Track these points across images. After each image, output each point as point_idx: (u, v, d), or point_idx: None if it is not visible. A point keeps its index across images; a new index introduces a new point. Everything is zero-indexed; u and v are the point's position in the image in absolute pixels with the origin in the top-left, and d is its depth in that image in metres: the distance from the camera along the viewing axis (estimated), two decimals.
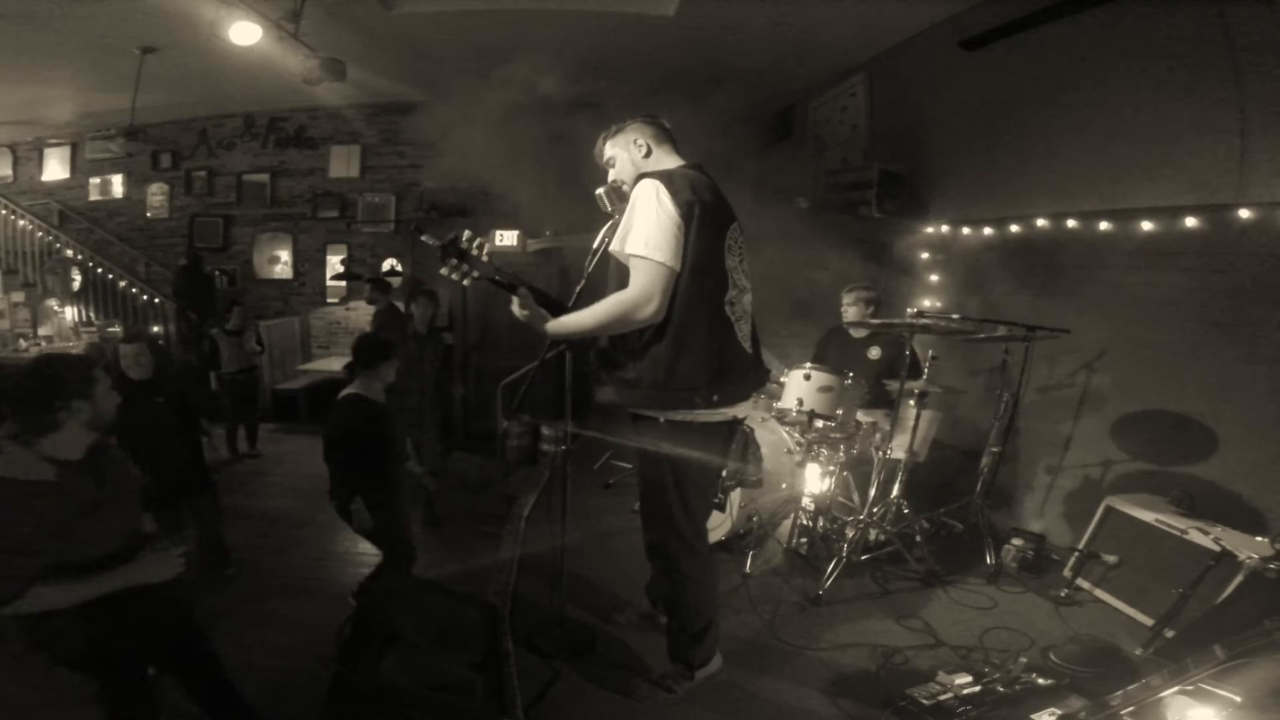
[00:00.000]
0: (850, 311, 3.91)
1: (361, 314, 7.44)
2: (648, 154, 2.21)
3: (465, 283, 1.98)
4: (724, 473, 2.30)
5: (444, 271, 1.95)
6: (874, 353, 3.92)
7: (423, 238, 1.96)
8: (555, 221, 5.85)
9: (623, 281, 2.03)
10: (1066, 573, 3.17)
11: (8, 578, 1.51)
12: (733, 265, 2.13)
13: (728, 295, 2.10)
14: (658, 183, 1.98)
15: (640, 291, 1.95)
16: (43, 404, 1.65)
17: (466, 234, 1.97)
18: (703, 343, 2.04)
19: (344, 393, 2.87)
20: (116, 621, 1.69)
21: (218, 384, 5.39)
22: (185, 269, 6.95)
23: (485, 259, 2.00)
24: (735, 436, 2.30)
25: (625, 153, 2.23)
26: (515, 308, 2.05)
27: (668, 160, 2.20)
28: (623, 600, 2.94)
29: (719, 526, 3.41)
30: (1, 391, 1.70)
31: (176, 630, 1.96)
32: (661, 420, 2.11)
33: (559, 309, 2.11)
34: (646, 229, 1.95)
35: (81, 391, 1.69)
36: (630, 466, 4.52)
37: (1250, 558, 2.40)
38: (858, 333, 3.96)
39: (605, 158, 2.28)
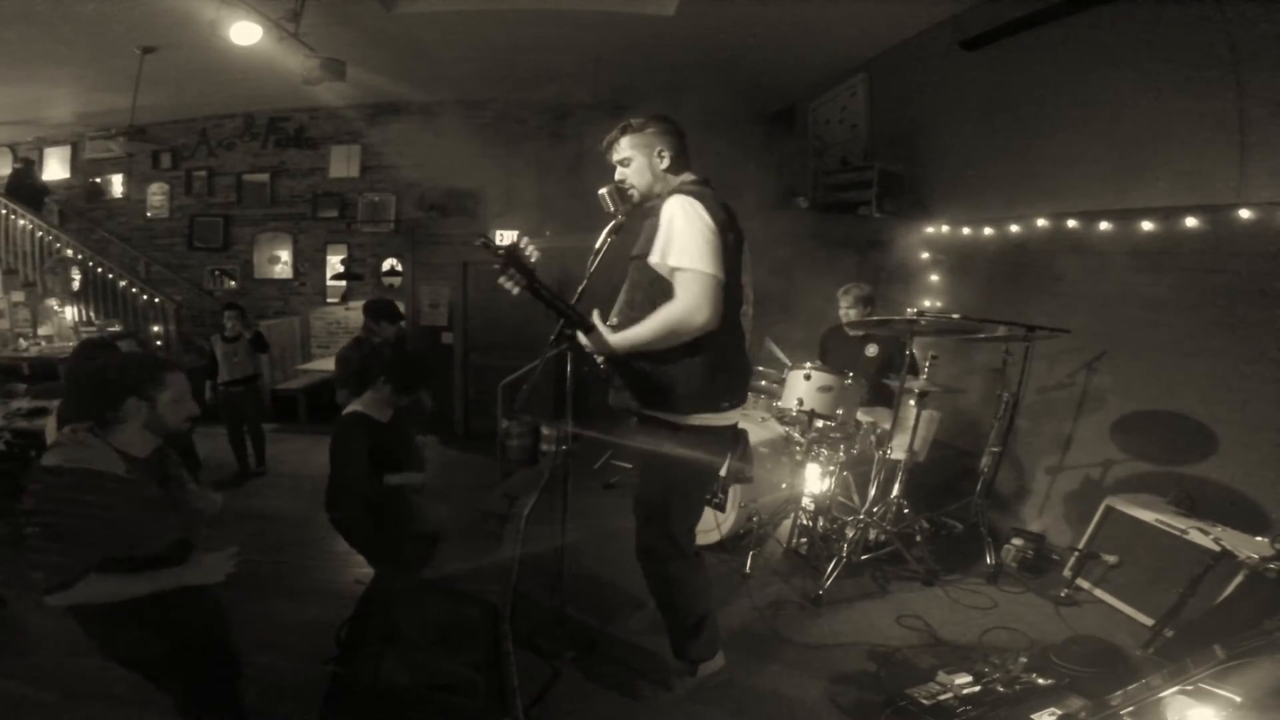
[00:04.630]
0: (851, 313, 3.91)
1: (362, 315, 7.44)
2: (668, 166, 2.19)
3: (515, 291, 1.98)
4: (723, 473, 2.32)
5: (501, 280, 1.96)
6: (871, 350, 3.93)
7: (480, 242, 1.96)
8: (555, 221, 5.86)
9: (654, 289, 2.07)
10: (1066, 573, 3.17)
11: (64, 565, 1.53)
12: (746, 280, 2.21)
13: (743, 309, 2.20)
14: (694, 200, 2.02)
15: (690, 303, 1.99)
16: (110, 395, 1.68)
17: (525, 241, 2.00)
18: (726, 352, 2.13)
19: (347, 410, 2.72)
20: (168, 619, 1.71)
21: (212, 394, 4.96)
22: (18, 171, 7.11)
23: (533, 265, 2.03)
24: (739, 438, 2.35)
25: (644, 157, 2.19)
26: (585, 339, 2.10)
27: (684, 173, 2.22)
28: (623, 600, 2.94)
29: (719, 526, 3.41)
30: (76, 376, 1.72)
31: (218, 634, 1.97)
32: (679, 424, 2.15)
33: (578, 319, 2.12)
34: (690, 242, 1.98)
35: (143, 392, 1.70)
36: (631, 467, 4.52)
37: (1250, 557, 2.40)
38: (854, 331, 3.97)
39: (620, 155, 2.23)
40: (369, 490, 2.62)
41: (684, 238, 1.98)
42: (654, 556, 2.31)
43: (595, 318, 2.13)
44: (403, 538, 2.78)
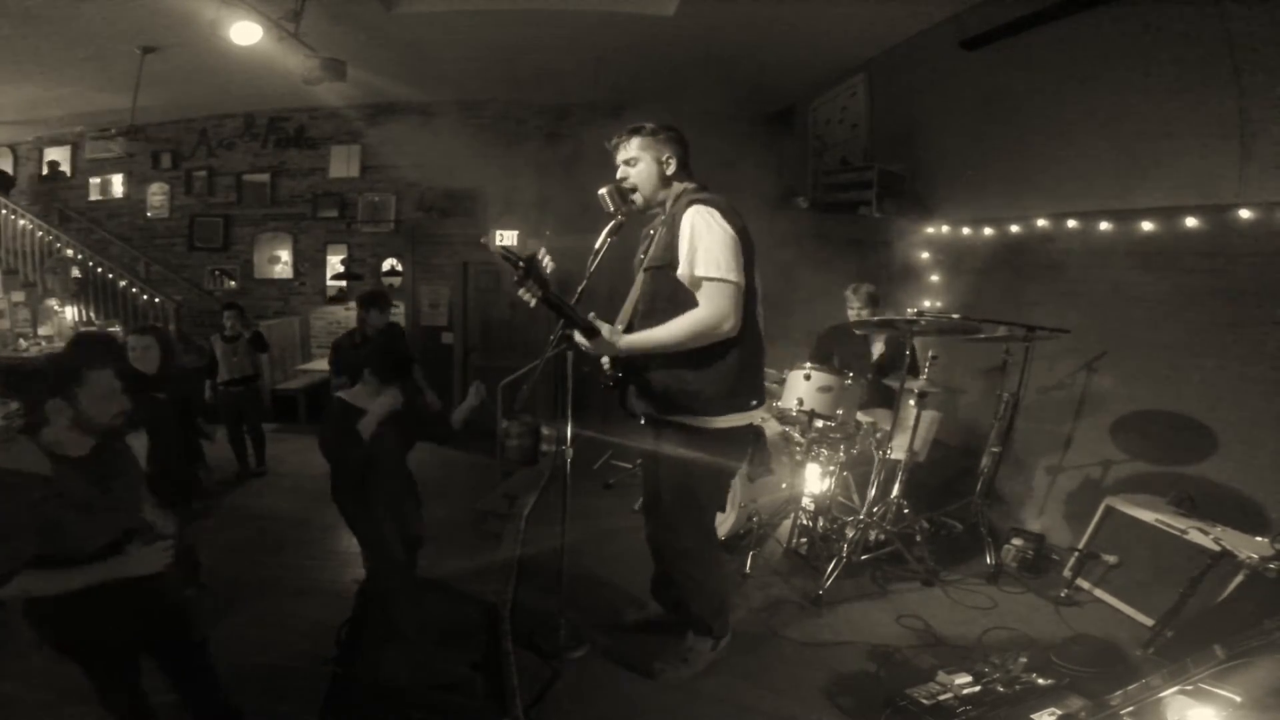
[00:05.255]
0: (864, 313, 3.89)
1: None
2: (673, 173, 2.23)
3: (533, 303, 1.99)
4: (746, 470, 2.40)
5: (521, 292, 1.97)
6: (876, 349, 3.92)
7: (501, 254, 1.98)
8: (554, 221, 5.85)
9: (677, 298, 2.11)
10: (1066, 573, 3.17)
11: None
12: (759, 282, 2.27)
13: (758, 309, 2.27)
14: (712, 209, 2.08)
15: (717, 311, 2.05)
16: (27, 397, 1.71)
17: (542, 251, 2.04)
18: (750, 353, 2.21)
19: (336, 395, 2.81)
20: (104, 609, 1.72)
21: (212, 394, 4.98)
22: None
23: (548, 275, 2.05)
24: (759, 436, 2.39)
25: (652, 161, 2.22)
26: (582, 340, 2.10)
27: (686, 181, 2.25)
28: (623, 600, 2.94)
29: (719, 526, 3.41)
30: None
31: (166, 622, 1.97)
32: (706, 428, 2.20)
33: (587, 326, 2.13)
34: (714, 252, 2.04)
35: (59, 390, 1.69)
36: (630, 466, 4.52)
37: (1250, 557, 2.40)
38: (858, 330, 3.96)
39: (627, 156, 2.24)
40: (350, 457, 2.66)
41: (708, 248, 2.04)
42: (686, 554, 2.40)
43: (596, 320, 2.14)
44: (393, 514, 2.79)
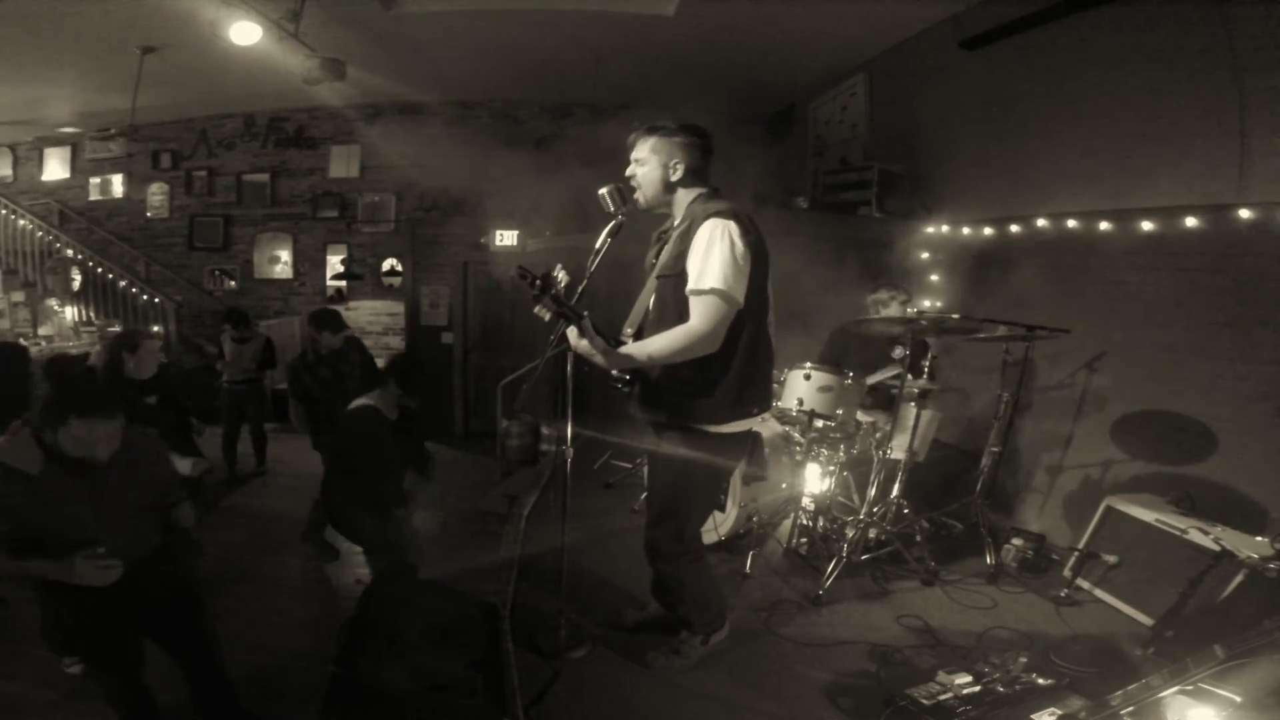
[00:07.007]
0: (896, 312, 3.85)
1: (362, 314, 7.46)
2: (679, 179, 2.19)
3: (546, 317, 1.97)
4: (740, 473, 2.39)
5: (537, 310, 1.95)
6: (898, 352, 3.90)
7: (516, 273, 1.95)
8: (554, 221, 5.85)
9: (683, 308, 2.09)
10: (1066, 573, 3.17)
11: None
12: (770, 290, 2.26)
13: (769, 318, 2.27)
14: (730, 223, 2.04)
15: (710, 327, 2.04)
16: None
17: (558, 267, 2.02)
18: (757, 361, 2.21)
19: (358, 403, 2.83)
20: (87, 602, 1.82)
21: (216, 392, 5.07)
22: None
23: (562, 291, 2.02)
24: (756, 441, 2.38)
25: (659, 164, 2.18)
26: (573, 337, 2.03)
27: (695, 187, 2.21)
28: (623, 599, 2.93)
29: (719, 526, 3.41)
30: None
31: (170, 618, 2.07)
32: (709, 432, 2.20)
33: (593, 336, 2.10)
34: (722, 268, 2.01)
35: (46, 424, 1.83)
36: (630, 466, 4.53)
37: (1250, 557, 2.40)
38: (867, 330, 3.91)
39: (638, 154, 2.21)
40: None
41: (716, 263, 2.01)
42: (667, 555, 2.39)
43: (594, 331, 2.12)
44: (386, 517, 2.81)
